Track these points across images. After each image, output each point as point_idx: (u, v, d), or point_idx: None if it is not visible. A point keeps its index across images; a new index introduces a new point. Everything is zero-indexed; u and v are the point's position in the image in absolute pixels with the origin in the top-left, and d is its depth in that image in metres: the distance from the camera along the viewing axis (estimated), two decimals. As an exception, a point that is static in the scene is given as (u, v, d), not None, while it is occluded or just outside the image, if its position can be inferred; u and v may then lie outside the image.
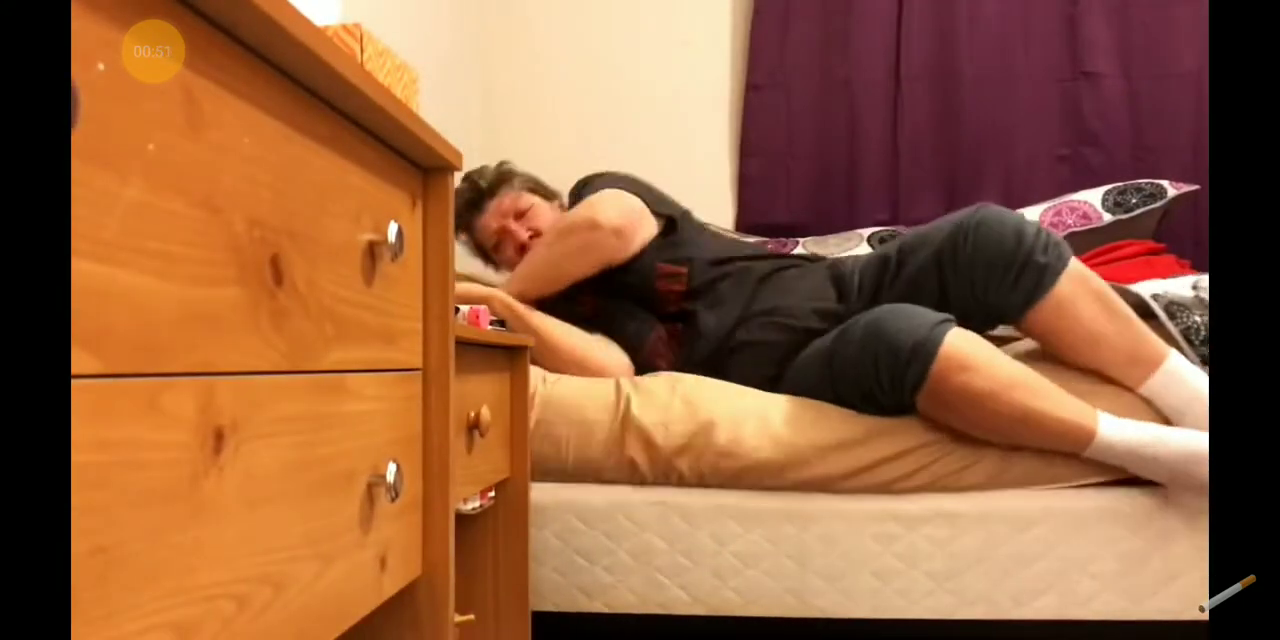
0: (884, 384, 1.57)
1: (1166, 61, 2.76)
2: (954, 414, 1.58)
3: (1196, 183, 2.51)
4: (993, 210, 1.67)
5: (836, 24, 2.92)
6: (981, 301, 1.66)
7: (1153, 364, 1.62)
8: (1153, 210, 2.49)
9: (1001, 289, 1.64)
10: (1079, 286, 1.63)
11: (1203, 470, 1.49)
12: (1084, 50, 2.82)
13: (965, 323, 1.62)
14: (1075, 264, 1.66)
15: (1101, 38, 2.82)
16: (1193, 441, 1.51)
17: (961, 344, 1.54)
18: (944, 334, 1.53)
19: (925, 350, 1.52)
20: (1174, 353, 1.63)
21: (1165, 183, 2.50)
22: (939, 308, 1.62)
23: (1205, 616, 1.37)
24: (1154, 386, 1.62)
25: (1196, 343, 1.69)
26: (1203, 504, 1.55)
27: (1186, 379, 1.60)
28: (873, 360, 1.56)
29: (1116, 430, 1.54)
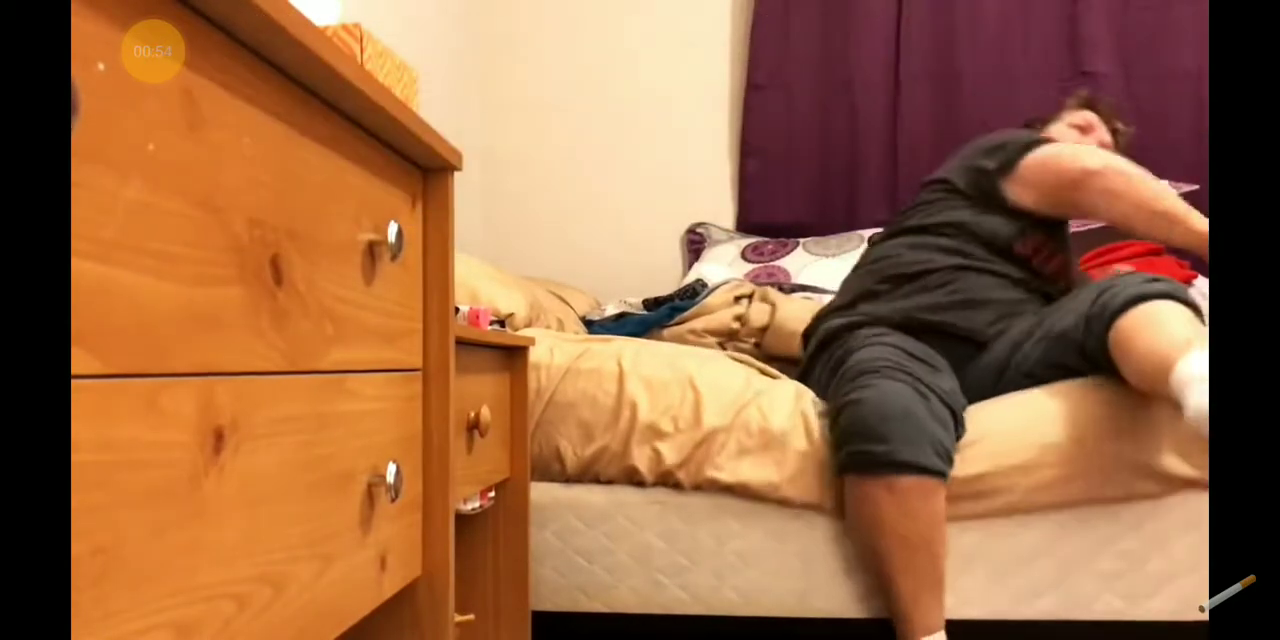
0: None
1: (1166, 61, 2.77)
2: None
3: (1196, 183, 2.51)
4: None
5: (836, 24, 2.92)
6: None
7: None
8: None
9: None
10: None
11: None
12: (1084, 50, 2.82)
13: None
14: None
15: (1101, 38, 2.82)
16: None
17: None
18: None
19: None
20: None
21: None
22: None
23: (1205, 616, 1.37)
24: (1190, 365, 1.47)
25: None
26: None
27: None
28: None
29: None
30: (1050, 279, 1.89)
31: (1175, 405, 1.41)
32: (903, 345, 1.68)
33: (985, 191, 1.87)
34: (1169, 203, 1.71)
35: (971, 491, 1.60)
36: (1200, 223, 1.67)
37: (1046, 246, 1.88)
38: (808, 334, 1.94)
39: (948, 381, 1.65)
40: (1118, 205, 1.73)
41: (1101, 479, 1.59)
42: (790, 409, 1.66)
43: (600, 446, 1.66)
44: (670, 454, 1.64)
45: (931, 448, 1.52)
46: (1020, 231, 1.85)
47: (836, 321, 1.83)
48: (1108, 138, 2.05)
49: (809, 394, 1.72)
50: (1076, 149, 1.83)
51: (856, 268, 1.97)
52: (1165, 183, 1.87)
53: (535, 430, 1.67)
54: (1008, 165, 1.85)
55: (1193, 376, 1.37)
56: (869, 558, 1.60)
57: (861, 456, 1.53)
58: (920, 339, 1.74)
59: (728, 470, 1.63)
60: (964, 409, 1.64)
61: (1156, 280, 1.57)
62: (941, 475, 1.53)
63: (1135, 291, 1.55)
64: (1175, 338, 1.46)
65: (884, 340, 1.70)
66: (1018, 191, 1.84)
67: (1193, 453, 1.58)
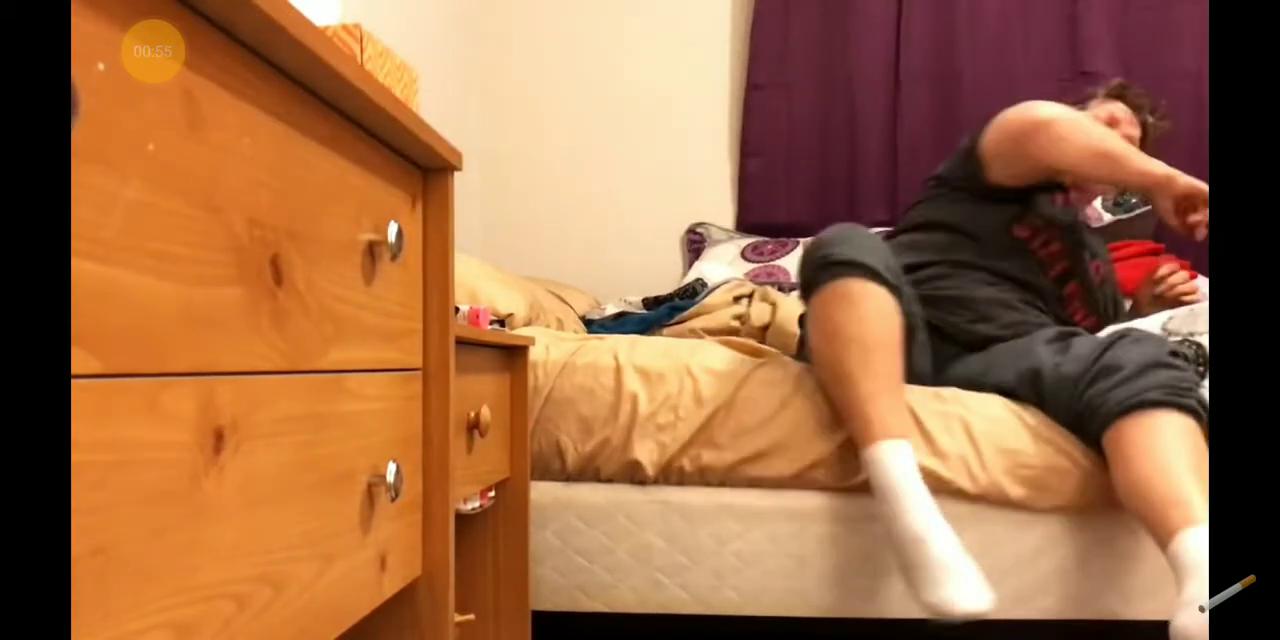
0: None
1: (1166, 61, 2.77)
2: None
3: (1196, 183, 2.51)
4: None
5: (836, 24, 2.93)
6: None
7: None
8: (1152, 210, 2.49)
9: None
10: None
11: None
12: (1084, 50, 2.82)
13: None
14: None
15: (1101, 38, 2.82)
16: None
17: None
18: None
19: None
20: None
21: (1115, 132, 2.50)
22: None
23: (1205, 617, 1.37)
24: (1189, 542, 1.38)
25: None
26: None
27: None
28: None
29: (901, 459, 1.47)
30: (1047, 264, 1.89)
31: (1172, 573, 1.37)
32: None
33: (969, 176, 1.89)
34: (1114, 143, 1.72)
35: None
36: (1145, 162, 1.67)
37: (1045, 231, 1.88)
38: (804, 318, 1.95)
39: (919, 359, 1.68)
40: (1069, 151, 1.73)
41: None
42: (790, 388, 1.66)
43: (601, 440, 1.66)
44: (672, 443, 1.64)
45: (883, 263, 1.53)
46: (1017, 216, 1.86)
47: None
48: (1135, 132, 2.02)
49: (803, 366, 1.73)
50: (1026, 105, 1.84)
51: None
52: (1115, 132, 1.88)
53: (535, 427, 1.67)
54: (975, 143, 1.88)
55: (1190, 565, 1.33)
56: (827, 371, 1.57)
57: (817, 262, 1.54)
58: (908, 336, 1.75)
59: (731, 449, 1.63)
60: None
61: (1156, 367, 1.50)
62: (895, 289, 1.54)
63: (1130, 394, 1.49)
64: (1176, 487, 1.41)
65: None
66: (991, 167, 1.86)
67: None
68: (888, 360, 1.52)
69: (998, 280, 1.85)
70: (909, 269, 1.82)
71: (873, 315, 1.52)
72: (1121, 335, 1.59)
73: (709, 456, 1.64)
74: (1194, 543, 1.35)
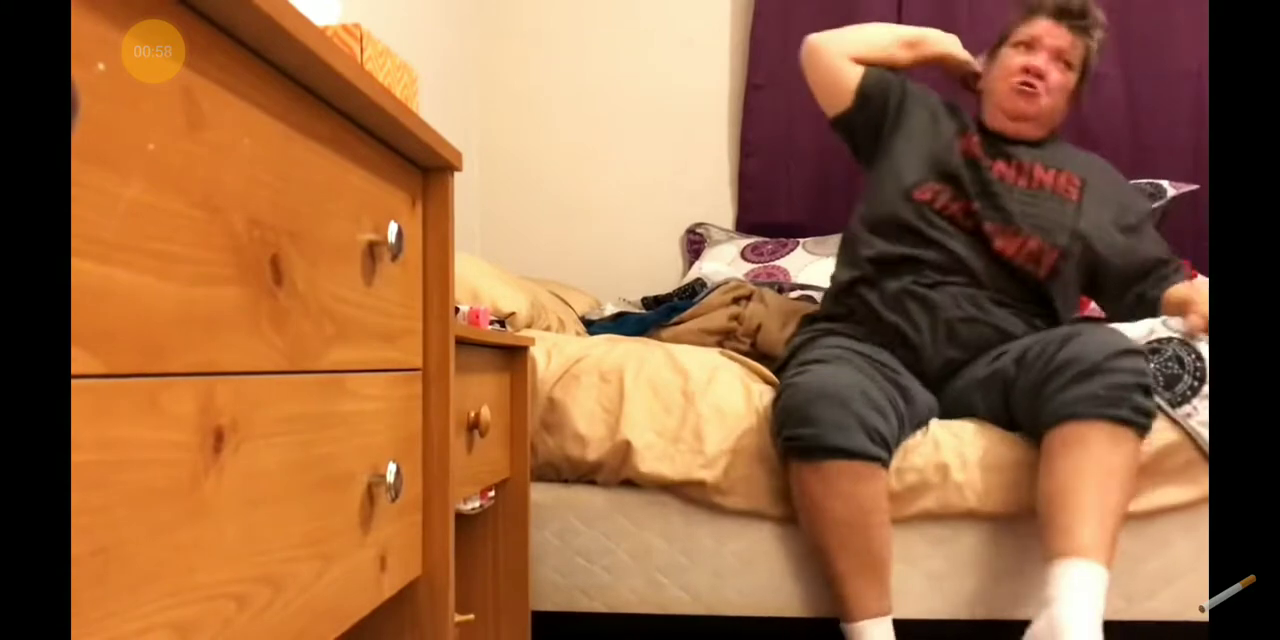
0: None
1: (1166, 61, 2.76)
2: None
3: (1196, 183, 2.51)
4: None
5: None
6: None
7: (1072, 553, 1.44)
8: (1152, 210, 2.49)
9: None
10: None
11: None
12: (1083, 50, 2.82)
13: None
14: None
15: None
16: None
17: None
18: None
19: None
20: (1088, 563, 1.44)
21: (1165, 183, 2.50)
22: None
23: (1205, 617, 1.37)
24: (1056, 570, 1.43)
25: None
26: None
27: (1078, 591, 1.41)
28: None
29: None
30: (958, 220, 1.82)
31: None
32: (856, 348, 1.69)
33: (844, 139, 2.02)
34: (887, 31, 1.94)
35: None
36: (934, 41, 1.87)
37: (944, 194, 1.84)
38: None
39: (901, 374, 1.67)
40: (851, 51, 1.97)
41: None
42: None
43: (595, 461, 1.65)
44: (672, 473, 1.64)
45: (864, 432, 1.50)
46: (916, 182, 1.85)
47: (817, 326, 1.87)
48: (1066, 43, 1.86)
49: None
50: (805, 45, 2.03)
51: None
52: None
53: (532, 436, 1.67)
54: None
55: (1049, 596, 1.39)
56: (809, 541, 1.59)
57: (792, 442, 1.53)
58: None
59: (730, 488, 1.64)
60: (924, 407, 1.66)
61: (1098, 372, 1.50)
62: (875, 459, 1.51)
63: (1062, 408, 1.50)
64: (1071, 513, 1.45)
65: (844, 344, 1.72)
66: (830, 113, 2.00)
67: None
68: (865, 538, 1.52)
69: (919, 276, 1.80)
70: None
71: (847, 494, 1.51)
72: (1078, 333, 1.59)
73: (709, 479, 1.64)
74: (1058, 572, 1.41)
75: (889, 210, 1.84)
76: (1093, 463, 1.47)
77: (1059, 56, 1.87)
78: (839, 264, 1.93)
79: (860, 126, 1.97)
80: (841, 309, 1.87)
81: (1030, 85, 1.85)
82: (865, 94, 1.95)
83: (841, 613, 1.53)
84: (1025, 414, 1.59)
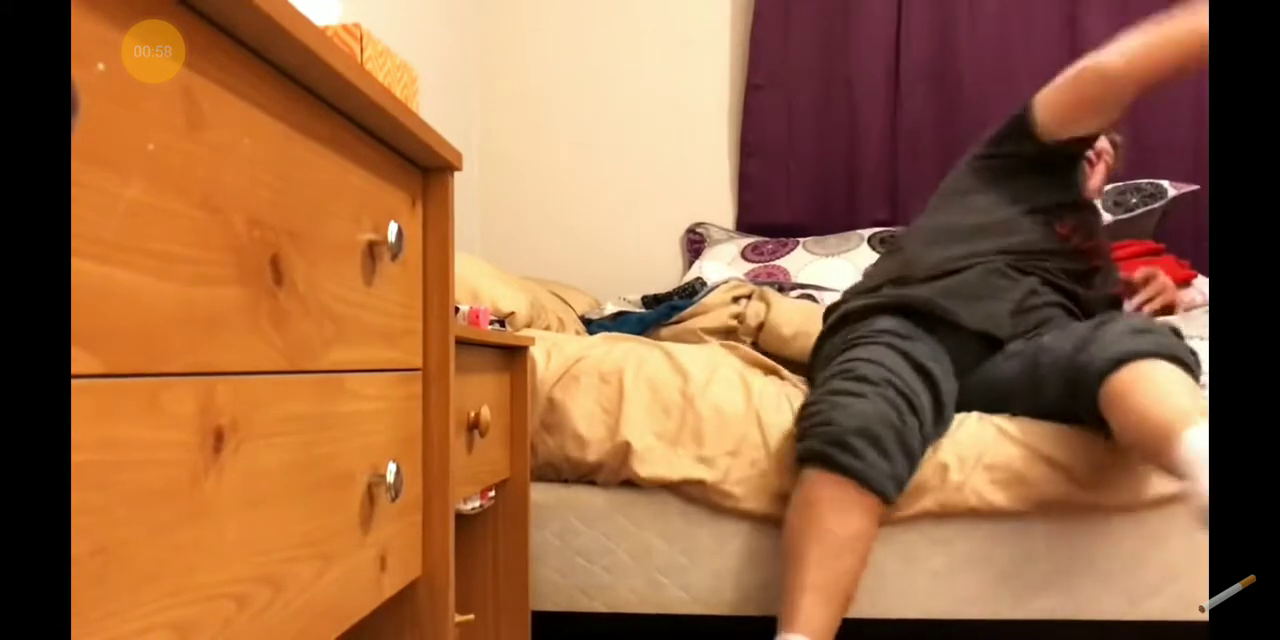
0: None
1: (1166, 61, 2.76)
2: None
3: (1196, 183, 2.51)
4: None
5: (836, 24, 2.92)
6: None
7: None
8: (1152, 210, 2.49)
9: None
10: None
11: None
12: (1084, 49, 2.81)
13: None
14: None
15: (1101, 37, 2.81)
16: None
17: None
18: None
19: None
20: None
21: (1165, 183, 2.50)
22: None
23: (1205, 617, 1.37)
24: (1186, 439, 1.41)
25: None
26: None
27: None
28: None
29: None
30: (1086, 257, 1.86)
31: (1178, 477, 1.39)
32: (910, 351, 1.66)
33: (1017, 140, 1.88)
34: (1165, 32, 1.86)
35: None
36: (1191, 22, 1.79)
37: (1080, 230, 1.87)
38: (831, 309, 1.92)
39: (944, 388, 1.64)
40: (1152, 70, 1.88)
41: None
42: (788, 420, 1.66)
43: (594, 462, 1.66)
44: (665, 470, 1.64)
45: (891, 478, 1.51)
46: (1057, 215, 1.85)
47: (858, 303, 1.82)
48: (1110, 157, 2.05)
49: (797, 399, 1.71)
50: (1080, 67, 1.94)
51: (890, 252, 1.97)
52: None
53: (532, 437, 1.67)
54: (1026, 107, 1.89)
55: (1195, 461, 1.34)
56: (786, 545, 1.56)
57: (823, 455, 1.52)
58: (935, 332, 1.72)
59: (731, 484, 1.64)
60: (949, 412, 1.65)
61: (1144, 332, 1.54)
62: (887, 500, 1.52)
63: (1122, 349, 1.52)
64: (1174, 407, 1.43)
65: (893, 342, 1.68)
66: (1044, 124, 1.86)
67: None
68: (845, 563, 1.51)
69: (1026, 277, 1.82)
70: (943, 263, 1.81)
71: (849, 516, 1.51)
72: (1112, 317, 1.61)
73: (709, 479, 1.64)
74: (1198, 439, 1.36)
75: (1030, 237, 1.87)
76: (1175, 384, 1.47)
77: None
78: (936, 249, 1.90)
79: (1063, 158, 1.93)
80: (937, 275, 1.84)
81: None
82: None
83: (785, 621, 1.49)
84: (1064, 373, 1.58)
